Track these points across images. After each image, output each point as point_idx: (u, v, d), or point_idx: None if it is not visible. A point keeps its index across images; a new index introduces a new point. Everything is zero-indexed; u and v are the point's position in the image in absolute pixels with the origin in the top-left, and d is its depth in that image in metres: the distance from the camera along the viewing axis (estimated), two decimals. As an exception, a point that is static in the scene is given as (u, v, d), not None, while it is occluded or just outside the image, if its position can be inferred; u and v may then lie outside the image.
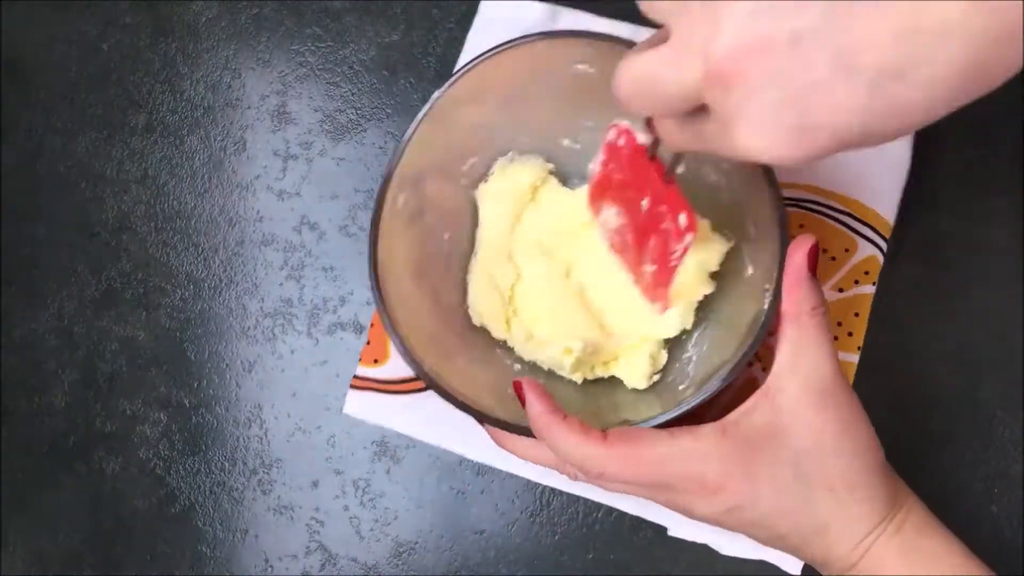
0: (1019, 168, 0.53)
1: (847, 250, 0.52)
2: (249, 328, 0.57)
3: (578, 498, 0.52)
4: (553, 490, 0.53)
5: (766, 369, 0.50)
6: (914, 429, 0.51)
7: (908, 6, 0.24)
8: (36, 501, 0.57)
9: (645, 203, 0.42)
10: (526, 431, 0.43)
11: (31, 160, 0.61)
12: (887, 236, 0.52)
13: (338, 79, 0.59)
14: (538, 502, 0.53)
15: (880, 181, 0.52)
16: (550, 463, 0.44)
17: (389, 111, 0.58)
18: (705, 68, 0.27)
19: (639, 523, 0.51)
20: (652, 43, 0.31)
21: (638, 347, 0.49)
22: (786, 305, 0.41)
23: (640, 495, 0.42)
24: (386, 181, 0.47)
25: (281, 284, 0.57)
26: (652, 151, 0.41)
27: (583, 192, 0.49)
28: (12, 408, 0.58)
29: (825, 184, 0.53)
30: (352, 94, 0.59)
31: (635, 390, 0.49)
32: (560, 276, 0.50)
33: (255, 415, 0.56)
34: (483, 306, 0.51)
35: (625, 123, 0.42)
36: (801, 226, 0.52)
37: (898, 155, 0.52)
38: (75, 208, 0.60)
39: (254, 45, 0.61)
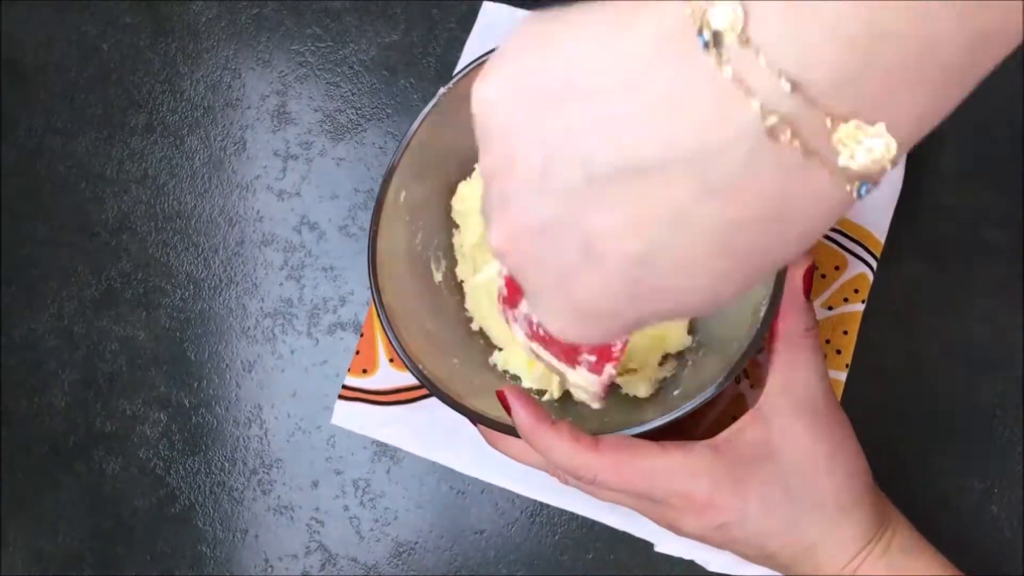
0: (1018, 168, 0.53)
1: (837, 268, 0.52)
2: (249, 328, 0.57)
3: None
4: (553, 490, 0.53)
5: (754, 386, 0.51)
6: (914, 429, 0.51)
7: (640, 192, 0.22)
8: (36, 501, 0.57)
9: None
10: (514, 431, 0.43)
11: (31, 160, 0.61)
12: (877, 255, 0.52)
13: (338, 79, 0.59)
14: (538, 502, 0.53)
15: (872, 200, 0.52)
16: (543, 466, 0.44)
17: (389, 111, 0.58)
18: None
19: (639, 523, 0.51)
20: None
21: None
22: (781, 325, 0.42)
23: (629, 506, 0.42)
24: (388, 176, 0.47)
25: (281, 284, 0.57)
26: None
27: None
28: (12, 408, 0.58)
29: None
30: (352, 94, 0.59)
31: (631, 396, 0.50)
32: None
33: (255, 415, 0.56)
34: (481, 310, 0.51)
35: None
36: None
37: (891, 175, 0.51)
38: (75, 208, 0.60)
39: (254, 45, 0.61)
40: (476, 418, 0.44)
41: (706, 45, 0.20)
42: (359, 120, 0.59)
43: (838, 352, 0.51)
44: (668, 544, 0.50)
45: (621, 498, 0.42)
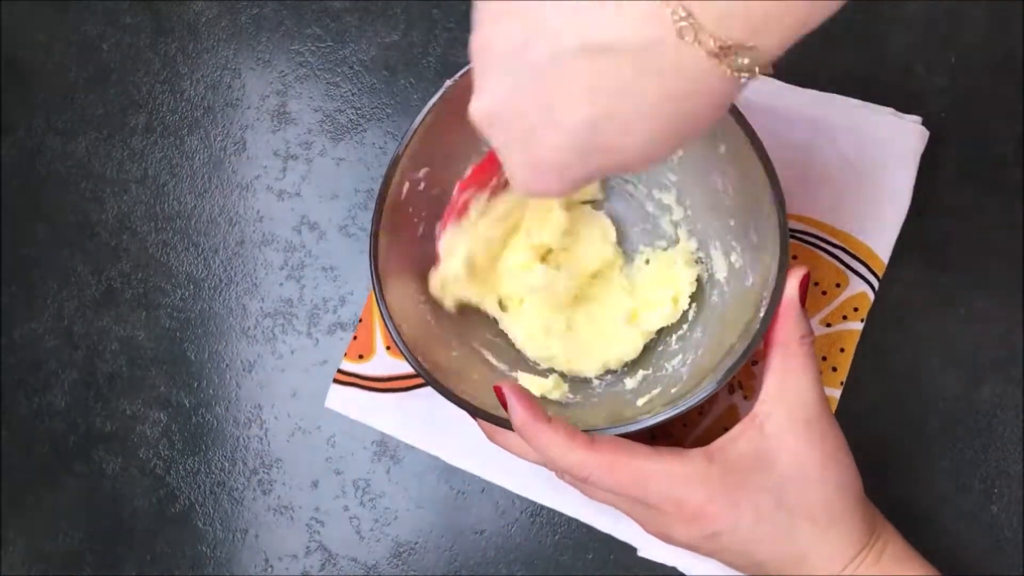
0: (1016, 169, 0.53)
1: (838, 285, 0.52)
2: (249, 328, 0.57)
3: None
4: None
5: (747, 398, 0.51)
6: (915, 429, 0.51)
7: (594, 68, 0.29)
8: (36, 501, 0.57)
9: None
10: (510, 424, 0.43)
11: (31, 160, 0.61)
12: (879, 274, 0.51)
13: (338, 79, 0.59)
14: (538, 502, 0.53)
15: (878, 219, 0.52)
16: (540, 462, 0.44)
17: (389, 111, 0.58)
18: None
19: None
20: None
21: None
22: (776, 333, 0.42)
23: (622, 509, 0.42)
24: (392, 166, 0.47)
25: (281, 284, 0.57)
26: None
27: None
28: (12, 408, 0.58)
29: (822, 217, 0.52)
30: (352, 94, 0.59)
31: (629, 390, 0.50)
32: (553, 290, 0.51)
33: (255, 415, 0.56)
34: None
35: None
36: (795, 257, 0.52)
37: (898, 193, 0.52)
38: (75, 208, 0.60)
39: (254, 45, 0.61)
40: (473, 411, 0.44)
41: None
42: (359, 120, 0.59)
43: (834, 369, 0.51)
44: (651, 549, 0.50)
45: (613, 499, 0.42)
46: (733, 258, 0.49)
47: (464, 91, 0.47)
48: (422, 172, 0.48)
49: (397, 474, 0.54)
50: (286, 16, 0.61)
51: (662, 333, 0.52)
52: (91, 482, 0.57)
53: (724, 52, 0.28)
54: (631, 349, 0.51)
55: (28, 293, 0.59)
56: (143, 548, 0.56)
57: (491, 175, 0.48)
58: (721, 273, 0.50)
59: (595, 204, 0.54)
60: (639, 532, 0.50)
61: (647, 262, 0.52)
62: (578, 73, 0.29)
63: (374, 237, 0.46)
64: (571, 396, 0.50)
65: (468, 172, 0.49)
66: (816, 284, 0.52)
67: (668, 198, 0.52)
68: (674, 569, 0.51)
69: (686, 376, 0.47)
